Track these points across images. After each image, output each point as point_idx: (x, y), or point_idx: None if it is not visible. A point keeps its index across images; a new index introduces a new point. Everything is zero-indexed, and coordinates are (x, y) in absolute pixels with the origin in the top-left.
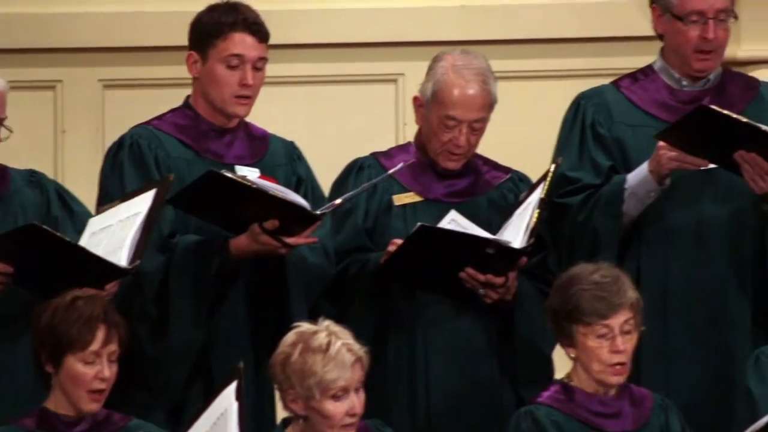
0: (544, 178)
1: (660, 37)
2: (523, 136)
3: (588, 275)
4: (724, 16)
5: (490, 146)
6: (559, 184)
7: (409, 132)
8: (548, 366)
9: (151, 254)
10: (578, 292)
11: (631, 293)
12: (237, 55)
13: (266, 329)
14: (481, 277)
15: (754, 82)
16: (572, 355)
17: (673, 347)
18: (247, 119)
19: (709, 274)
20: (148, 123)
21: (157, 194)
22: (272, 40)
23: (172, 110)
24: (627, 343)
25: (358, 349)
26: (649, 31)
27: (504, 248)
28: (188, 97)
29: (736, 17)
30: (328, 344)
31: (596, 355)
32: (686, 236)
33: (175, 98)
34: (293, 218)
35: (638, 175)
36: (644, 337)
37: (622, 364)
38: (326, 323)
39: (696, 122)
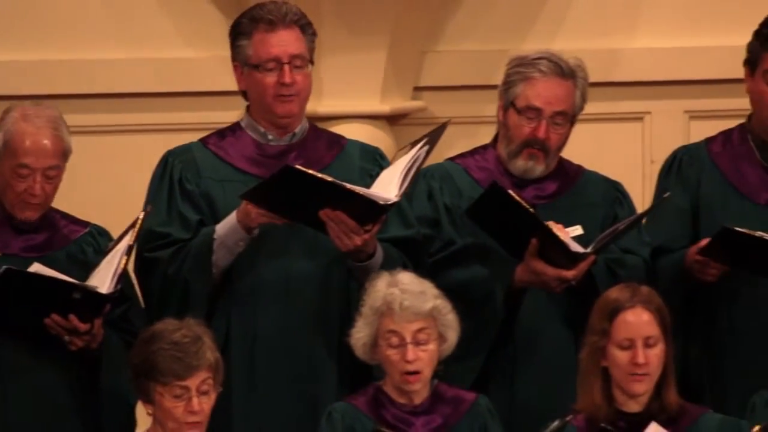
0: (133, 225)
1: (244, 94)
2: (108, 190)
3: (169, 334)
4: (299, 62)
5: (74, 201)
6: (149, 239)
7: None
8: (133, 419)
9: None
10: (157, 351)
11: (210, 354)
12: None
13: None
14: (66, 323)
15: (340, 139)
16: (149, 412)
17: (261, 401)
18: None
19: (297, 329)
20: None
21: None
22: None
23: None
24: (204, 404)
25: None
26: (231, 86)
27: (90, 294)
28: None
29: (312, 63)
30: None
31: (172, 415)
32: (274, 290)
33: None
34: None
35: (227, 224)
36: (234, 390)
37: (197, 423)
38: None
39: (282, 181)
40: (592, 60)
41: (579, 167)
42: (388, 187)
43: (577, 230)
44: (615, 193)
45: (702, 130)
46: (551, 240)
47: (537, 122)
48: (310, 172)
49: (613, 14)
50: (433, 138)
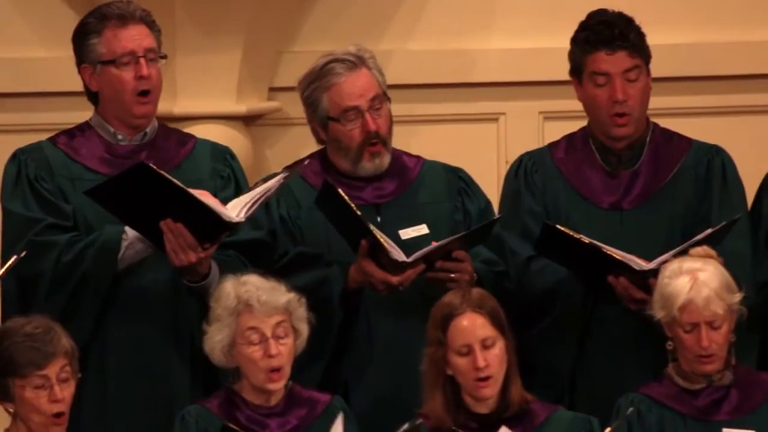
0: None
1: (92, 97)
2: None
3: (20, 327)
4: (153, 55)
5: None
6: (28, 226)
7: None
8: None
9: None
10: (12, 345)
11: (65, 341)
12: None
13: None
14: None
15: (191, 138)
16: (11, 410)
17: (112, 405)
18: None
19: (149, 333)
20: None
21: None
22: None
23: None
24: (65, 391)
25: None
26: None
27: None
28: None
29: (164, 57)
30: None
31: (35, 407)
32: (130, 300)
33: None
34: None
35: None
36: (85, 395)
37: (61, 413)
38: None
39: (132, 179)
40: (447, 61)
41: (418, 159)
42: (235, 209)
43: (423, 229)
44: (458, 183)
45: (556, 131)
46: (376, 244)
47: (360, 120)
48: (163, 173)
49: (468, 15)
50: (291, 172)
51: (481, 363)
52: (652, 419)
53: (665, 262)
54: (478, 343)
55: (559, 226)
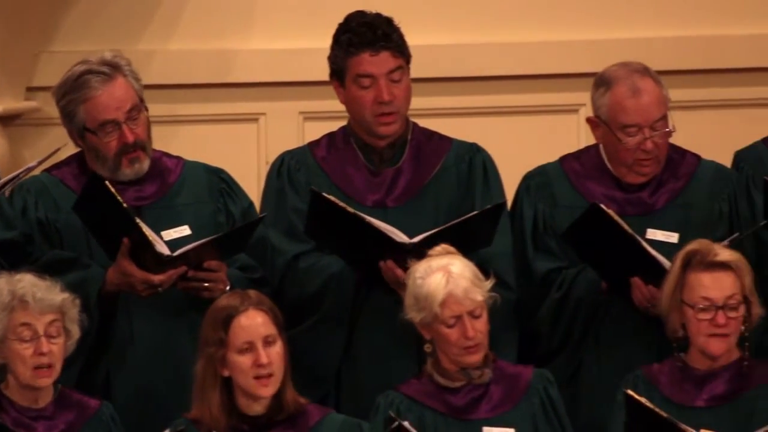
0: None
1: None
2: None
3: None
4: None
5: None
6: None
7: None
8: None
9: None
10: None
11: None
12: None
13: None
14: None
15: None
16: None
17: None
18: None
19: None
20: None
21: None
22: None
23: None
24: None
25: None
26: None
27: None
28: None
29: None
30: None
31: None
32: None
33: None
34: None
35: None
36: None
37: None
38: None
39: None
40: (207, 61)
41: (178, 160)
42: None
43: (185, 230)
44: (220, 183)
45: (316, 131)
46: (141, 238)
47: (118, 132)
48: None
49: (228, 16)
50: (41, 161)
51: (263, 359)
52: (411, 419)
53: (428, 237)
54: (261, 340)
55: (324, 194)
